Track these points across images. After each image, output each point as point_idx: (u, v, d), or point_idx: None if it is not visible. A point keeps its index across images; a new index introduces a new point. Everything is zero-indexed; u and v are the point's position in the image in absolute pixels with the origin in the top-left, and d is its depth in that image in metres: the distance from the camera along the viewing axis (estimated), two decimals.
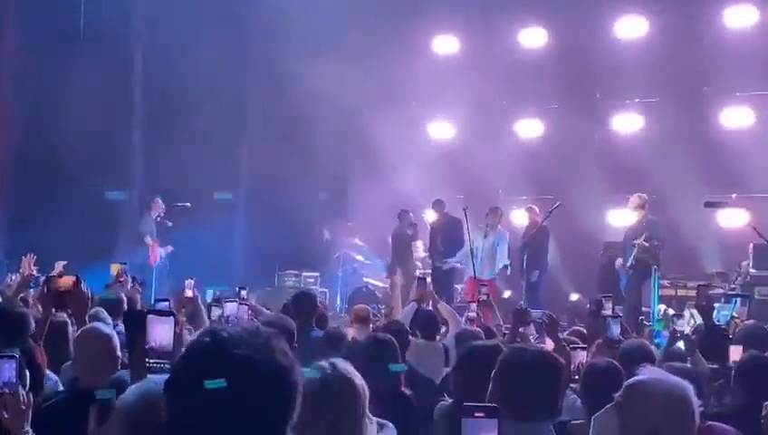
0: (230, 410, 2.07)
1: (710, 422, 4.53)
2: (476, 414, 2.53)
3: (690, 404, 3.43)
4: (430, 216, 15.82)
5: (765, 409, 3.53)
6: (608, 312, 8.66)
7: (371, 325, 8.69)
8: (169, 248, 16.95)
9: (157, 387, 2.61)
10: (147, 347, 3.41)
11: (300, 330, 7.01)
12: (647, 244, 13.15)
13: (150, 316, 3.48)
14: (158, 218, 17.01)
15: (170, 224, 17.09)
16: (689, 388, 3.47)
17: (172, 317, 3.50)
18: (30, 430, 3.94)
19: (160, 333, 3.42)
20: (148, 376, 3.20)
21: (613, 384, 3.66)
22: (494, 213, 14.86)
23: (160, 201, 17.05)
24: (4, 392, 3.89)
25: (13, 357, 4.01)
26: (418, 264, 16.52)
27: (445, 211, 15.15)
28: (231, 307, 6.58)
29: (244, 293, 8.99)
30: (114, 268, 10.12)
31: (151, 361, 3.40)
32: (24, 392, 3.91)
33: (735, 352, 6.26)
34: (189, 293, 8.25)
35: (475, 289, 11.97)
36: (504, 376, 3.98)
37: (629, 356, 5.93)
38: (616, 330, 6.65)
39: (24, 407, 3.89)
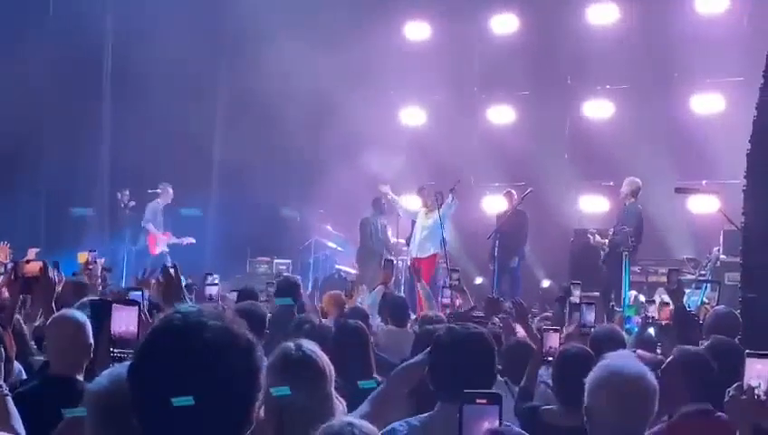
0: (201, 382, 2.05)
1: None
2: (478, 401, 2.50)
3: (647, 389, 3.49)
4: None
5: (727, 395, 3.53)
6: (575, 299, 8.70)
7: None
8: (188, 240, 16.85)
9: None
10: (111, 336, 3.36)
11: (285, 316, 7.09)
12: (615, 231, 13.29)
13: (115, 306, 3.45)
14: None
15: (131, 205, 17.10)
16: (648, 373, 3.54)
17: (137, 307, 3.48)
18: (3, 385, 3.89)
19: (125, 322, 3.40)
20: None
21: (585, 370, 3.66)
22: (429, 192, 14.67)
23: (170, 189, 16.96)
24: None
25: None
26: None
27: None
28: (212, 290, 6.56)
29: (210, 279, 8.96)
30: (82, 256, 10.08)
31: (116, 350, 3.38)
32: (9, 346, 3.87)
33: None
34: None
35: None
36: (437, 355, 3.99)
37: (600, 342, 5.95)
38: (589, 316, 6.65)
39: None
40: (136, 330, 3.39)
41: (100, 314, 3.54)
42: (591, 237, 14.33)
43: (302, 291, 8.50)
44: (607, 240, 13.84)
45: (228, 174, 18.44)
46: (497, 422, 2.41)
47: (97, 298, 6.12)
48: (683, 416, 4.50)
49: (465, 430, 2.37)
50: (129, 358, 3.19)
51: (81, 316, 4.88)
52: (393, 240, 16.57)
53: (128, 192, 17.55)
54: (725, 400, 3.51)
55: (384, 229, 15.93)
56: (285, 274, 13.51)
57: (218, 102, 19.06)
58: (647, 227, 13.79)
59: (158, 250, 16.62)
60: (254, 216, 17.16)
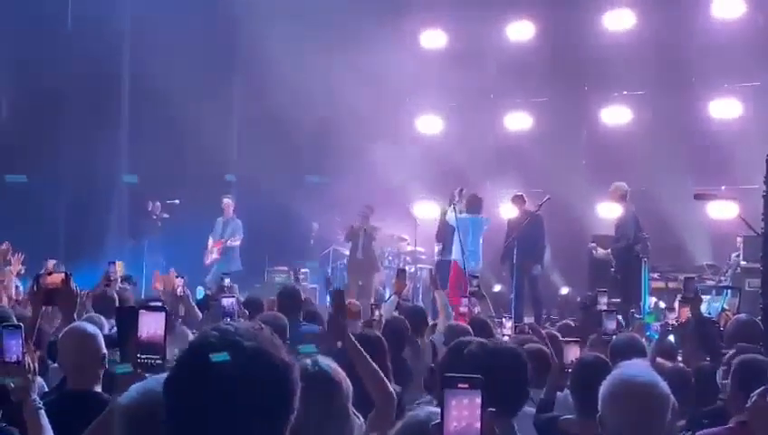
0: (236, 401, 2.06)
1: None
2: (459, 386, 2.48)
3: (660, 397, 3.48)
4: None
5: (751, 400, 3.51)
6: (603, 306, 8.66)
7: (360, 321, 8.65)
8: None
9: (159, 386, 2.60)
10: (138, 342, 3.37)
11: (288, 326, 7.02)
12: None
13: (142, 312, 3.44)
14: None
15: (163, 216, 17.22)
16: (660, 382, 3.52)
17: (164, 313, 3.46)
18: (37, 398, 3.93)
19: (152, 328, 3.38)
20: (149, 376, 3.17)
21: (601, 379, 3.65)
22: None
23: (231, 202, 17.12)
24: (11, 361, 3.88)
25: (18, 327, 4.00)
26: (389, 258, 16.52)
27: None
28: (228, 302, 6.56)
29: (227, 281, 9.01)
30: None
31: (143, 356, 3.36)
32: (30, 361, 3.89)
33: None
34: (179, 291, 8.32)
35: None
36: (469, 371, 3.98)
37: (620, 350, 5.93)
38: (610, 324, 6.63)
39: (30, 376, 3.88)
40: (163, 335, 3.38)
41: (127, 320, 3.55)
42: (594, 251, 14.30)
43: (303, 297, 8.43)
44: (609, 250, 13.80)
45: (245, 184, 18.46)
46: (479, 409, 2.40)
47: (125, 306, 6.14)
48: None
49: (447, 415, 2.35)
50: (157, 364, 3.27)
51: (92, 328, 4.89)
52: (410, 248, 16.57)
53: (159, 203, 17.66)
54: (747, 405, 3.49)
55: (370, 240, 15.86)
56: (284, 283, 13.50)
57: (234, 113, 19.11)
58: (666, 234, 13.81)
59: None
60: (272, 226, 17.18)
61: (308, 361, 3.62)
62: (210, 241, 17.13)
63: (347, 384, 3.62)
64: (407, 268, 16.89)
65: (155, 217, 17.58)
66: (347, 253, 17.75)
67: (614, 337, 6.48)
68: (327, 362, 3.66)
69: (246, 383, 2.07)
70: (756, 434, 3.45)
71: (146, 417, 2.80)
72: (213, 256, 16.96)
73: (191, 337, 4.83)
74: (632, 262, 13.28)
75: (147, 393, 2.87)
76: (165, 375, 2.74)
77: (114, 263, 8.97)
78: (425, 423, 2.36)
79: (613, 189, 13.78)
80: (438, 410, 2.32)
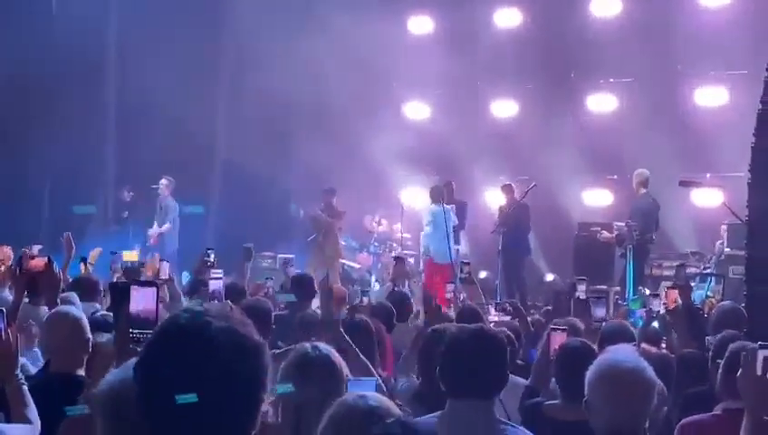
0: (207, 382, 2.05)
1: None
2: None
3: (646, 382, 3.51)
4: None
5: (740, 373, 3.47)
6: (581, 294, 8.69)
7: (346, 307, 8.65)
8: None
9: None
10: (131, 318, 3.40)
11: (299, 310, 7.23)
12: (624, 226, 13.35)
13: (134, 287, 3.49)
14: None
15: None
16: (647, 367, 3.55)
17: (155, 288, 3.51)
18: (20, 374, 3.93)
19: (143, 303, 3.43)
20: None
21: (586, 364, 3.67)
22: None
23: (167, 182, 17.07)
24: None
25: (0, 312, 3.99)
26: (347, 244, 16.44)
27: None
28: (215, 285, 6.55)
29: (212, 256, 9.00)
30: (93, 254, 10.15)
31: (135, 331, 3.40)
32: (12, 338, 3.88)
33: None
34: (165, 275, 8.33)
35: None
36: (449, 355, 4.01)
37: (609, 337, 5.93)
38: (599, 311, 6.63)
39: (12, 352, 3.88)
40: (155, 310, 3.43)
41: (119, 296, 3.58)
42: (599, 235, 14.37)
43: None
44: (614, 234, 13.89)
45: (231, 169, 18.41)
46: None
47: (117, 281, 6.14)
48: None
49: None
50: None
51: (77, 312, 4.92)
52: (399, 235, 16.58)
53: (132, 193, 17.61)
54: (738, 374, 3.46)
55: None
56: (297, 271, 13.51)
57: (220, 98, 19.01)
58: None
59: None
60: (258, 211, 17.14)
61: (308, 345, 3.73)
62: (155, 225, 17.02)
63: (345, 368, 3.70)
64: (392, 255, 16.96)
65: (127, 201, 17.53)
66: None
67: (603, 324, 6.46)
68: (326, 347, 3.74)
69: (217, 365, 2.05)
70: (751, 404, 3.42)
71: (125, 403, 2.79)
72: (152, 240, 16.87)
73: None
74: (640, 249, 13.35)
75: (124, 378, 2.86)
76: None
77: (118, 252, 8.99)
78: (353, 408, 2.37)
79: (635, 176, 13.88)
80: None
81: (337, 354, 3.74)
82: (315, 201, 16.83)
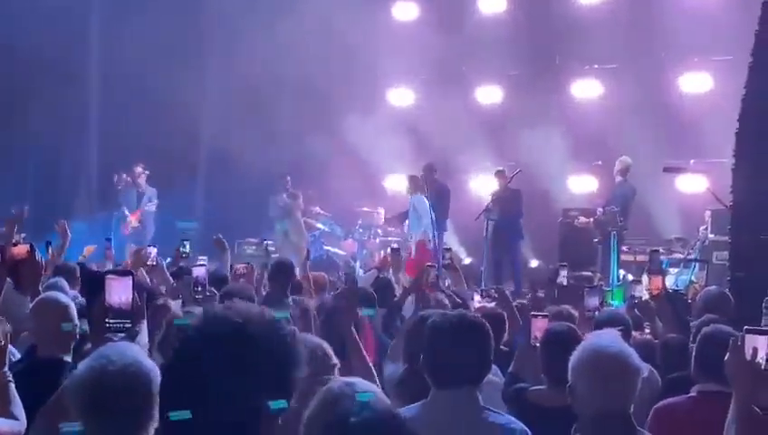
0: (241, 376, 2.15)
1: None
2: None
3: (629, 367, 3.51)
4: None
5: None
6: (563, 280, 8.69)
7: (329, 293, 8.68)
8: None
9: (109, 362, 2.61)
10: (106, 307, 3.36)
11: (273, 297, 7.26)
12: (605, 210, 13.36)
13: (109, 276, 3.44)
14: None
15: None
16: (632, 353, 3.55)
17: (130, 277, 3.47)
18: (7, 371, 3.93)
19: (119, 292, 3.39)
20: (117, 339, 3.26)
21: (570, 349, 3.66)
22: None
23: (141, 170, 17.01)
24: None
25: None
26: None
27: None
28: (200, 272, 6.51)
29: (188, 246, 9.03)
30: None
31: (111, 320, 3.36)
32: (2, 335, 3.86)
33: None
34: (153, 261, 8.33)
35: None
36: (431, 342, 3.99)
37: (603, 325, 5.90)
38: (592, 301, 6.57)
39: (2, 343, 3.87)
40: (130, 300, 3.39)
41: (94, 286, 3.55)
42: (576, 220, 14.40)
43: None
44: (592, 219, 13.90)
45: (215, 156, 18.35)
46: None
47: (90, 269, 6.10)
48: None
49: None
50: (125, 328, 3.34)
51: (65, 298, 4.89)
52: (382, 221, 16.58)
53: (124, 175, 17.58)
54: (726, 359, 3.47)
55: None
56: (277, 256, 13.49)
57: (205, 84, 18.92)
58: (635, 207, 13.83)
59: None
60: (242, 197, 17.09)
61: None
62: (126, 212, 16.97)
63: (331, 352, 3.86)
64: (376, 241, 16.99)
65: (119, 188, 17.42)
66: (319, 225, 17.72)
67: (596, 313, 6.41)
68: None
69: (261, 354, 2.18)
70: (740, 389, 3.42)
71: (99, 389, 2.88)
72: (132, 225, 16.82)
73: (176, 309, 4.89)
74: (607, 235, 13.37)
75: (96, 366, 2.94)
76: (113, 350, 2.83)
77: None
78: (338, 395, 2.39)
79: (618, 163, 13.88)
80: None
81: (321, 341, 3.78)
82: (298, 188, 16.85)
